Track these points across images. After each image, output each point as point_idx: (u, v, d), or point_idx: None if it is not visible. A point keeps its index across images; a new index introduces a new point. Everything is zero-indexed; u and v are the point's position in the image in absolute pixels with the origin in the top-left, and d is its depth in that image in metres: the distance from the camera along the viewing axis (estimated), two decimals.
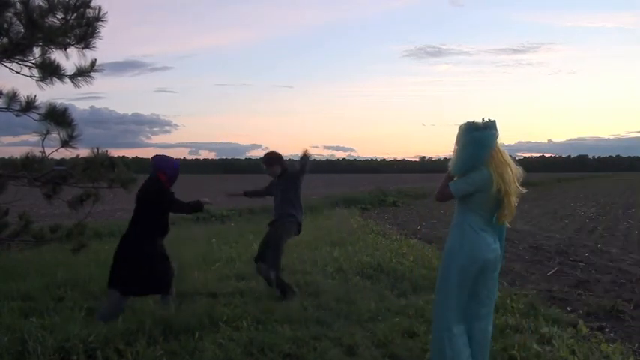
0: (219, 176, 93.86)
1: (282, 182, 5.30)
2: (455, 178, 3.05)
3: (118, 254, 4.32)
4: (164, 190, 4.38)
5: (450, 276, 3.01)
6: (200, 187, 41.17)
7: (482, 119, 2.96)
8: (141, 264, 4.22)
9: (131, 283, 4.20)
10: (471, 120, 2.98)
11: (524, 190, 3.05)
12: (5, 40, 4.78)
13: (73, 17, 4.92)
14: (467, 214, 3.02)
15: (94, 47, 5.18)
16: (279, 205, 5.31)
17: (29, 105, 5.15)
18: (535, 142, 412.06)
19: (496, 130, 2.96)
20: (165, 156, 4.60)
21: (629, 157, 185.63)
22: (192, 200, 4.59)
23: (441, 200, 3.15)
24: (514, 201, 2.98)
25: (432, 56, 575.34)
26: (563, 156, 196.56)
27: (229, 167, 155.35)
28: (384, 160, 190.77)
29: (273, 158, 5.34)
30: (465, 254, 2.96)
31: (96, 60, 5.27)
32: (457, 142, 3.01)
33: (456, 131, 3.08)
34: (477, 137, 2.92)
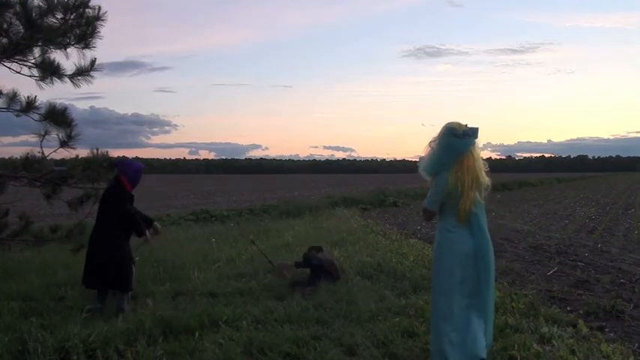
0: (219, 176, 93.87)
1: None
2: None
3: (87, 253, 4.65)
4: (124, 190, 4.64)
5: (439, 275, 3.23)
6: (200, 187, 41.25)
7: (466, 125, 3.12)
8: (104, 260, 4.52)
9: (94, 276, 4.57)
10: (454, 123, 3.14)
11: (482, 201, 3.20)
12: (5, 40, 4.78)
13: (72, 17, 4.93)
14: (441, 216, 3.26)
15: (93, 47, 5.20)
16: None
17: (29, 105, 5.15)
18: (535, 142, 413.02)
19: (475, 137, 3.13)
20: (128, 159, 4.92)
21: (629, 157, 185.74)
22: (145, 220, 4.85)
23: (429, 220, 3.36)
24: (469, 205, 3.10)
25: (431, 56, 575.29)
26: (563, 156, 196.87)
27: (229, 167, 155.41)
28: (384, 160, 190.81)
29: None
30: (446, 252, 3.19)
31: (95, 59, 5.29)
32: (435, 141, 3.18)
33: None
34: (453, 143, 3.10)
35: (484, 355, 3.22)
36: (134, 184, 4.73)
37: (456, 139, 3.09)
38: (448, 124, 3.15)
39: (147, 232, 4.74)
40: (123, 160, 4.85)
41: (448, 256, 3.17)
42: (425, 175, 3.22)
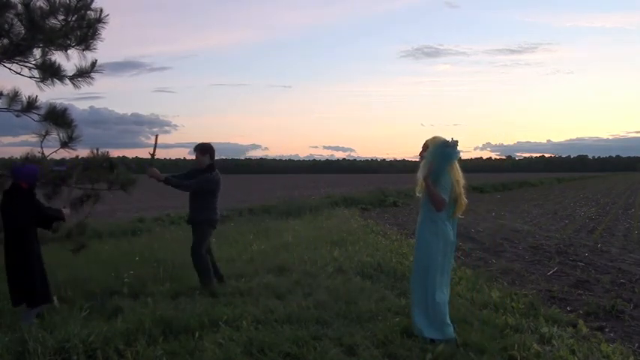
0: None
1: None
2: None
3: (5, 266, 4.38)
4: (28, 196, 4.43)
5: (435, 257, 3.88)
6: None
7: (452, 138, 3.89)
8: (17, 272, 4.31)
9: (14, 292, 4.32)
10: (441, 137, 3.93)
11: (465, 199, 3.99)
12: (5, 40, 4.78)
13: (73, 19, 4.92)
14: (437, 211, 3.88)
15: (94, 49, 5.19)
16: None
17: (30, 105, 5.15)
18: (535, 142, 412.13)
19: (457, 147, 3.94)
20: (21, 166, 4.59)
21: (628, 157, 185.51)
22: (55, 209, 4.67)
23: (442, 210, 3.88)
24: (465, 200, 3.94)
25: (430, 57, 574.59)
26: (563, 156, 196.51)
27: (229, 167, 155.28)
28: (384, 160, 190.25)
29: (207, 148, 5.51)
30: (441, 240, 3.90)
31: (96, 61, 5.28)
32: (429, 153, 3.88)
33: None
34: (447, 153, 3.87)
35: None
36: (33, 182, 4.52)
37: (449, 150, 3.86)
38: (437, 137, 3.93)
39: (63, 211, 4.68)
40: (17, 169, 4.51)
41: (443, 243, 3.90)
42: (430, 180, 3.84)
